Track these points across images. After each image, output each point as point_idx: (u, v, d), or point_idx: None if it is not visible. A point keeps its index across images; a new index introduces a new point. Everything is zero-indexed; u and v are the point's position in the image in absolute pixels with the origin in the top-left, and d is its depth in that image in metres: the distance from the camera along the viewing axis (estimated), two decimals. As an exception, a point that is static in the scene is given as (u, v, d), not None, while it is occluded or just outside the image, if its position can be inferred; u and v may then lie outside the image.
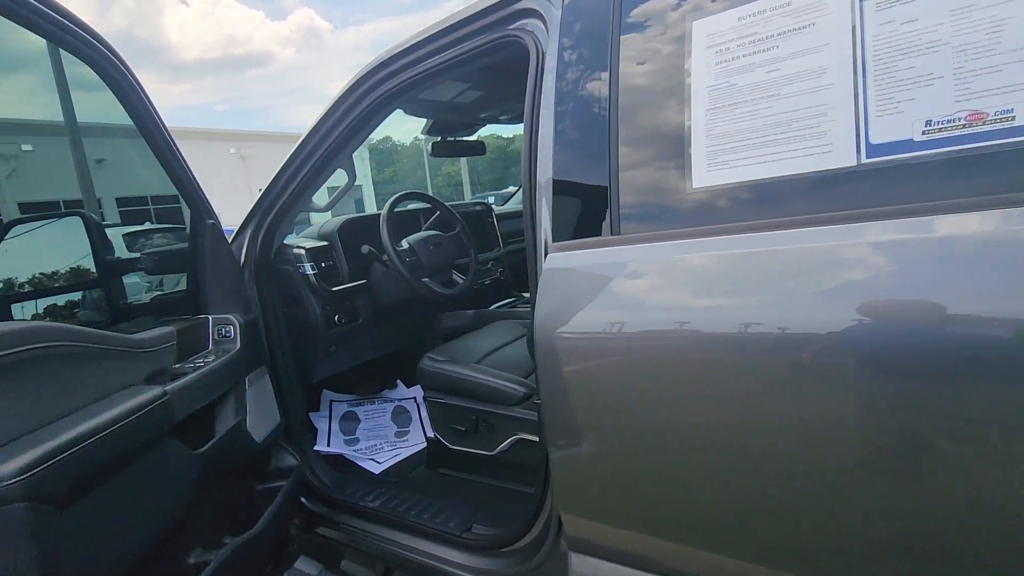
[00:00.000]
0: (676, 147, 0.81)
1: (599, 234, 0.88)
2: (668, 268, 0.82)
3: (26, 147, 14.89)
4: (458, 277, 1.81)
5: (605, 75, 0.88)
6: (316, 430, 1.89)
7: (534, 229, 0.98)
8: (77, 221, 1.29)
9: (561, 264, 0.90)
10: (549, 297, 0.89)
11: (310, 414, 1.91)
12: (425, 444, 1.87)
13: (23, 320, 0.80)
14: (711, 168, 0.78)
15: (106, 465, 0.83)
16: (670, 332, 0.76)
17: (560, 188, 0.93)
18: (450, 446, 1.49)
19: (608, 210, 0.87)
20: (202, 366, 1.17)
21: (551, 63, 0.96)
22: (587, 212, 0.91)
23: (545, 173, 0.95)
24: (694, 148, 0.80)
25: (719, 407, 0.73)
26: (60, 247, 1.34)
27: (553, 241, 0.93)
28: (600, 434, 0.87)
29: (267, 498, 1.41)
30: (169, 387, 1.01)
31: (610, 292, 0.84)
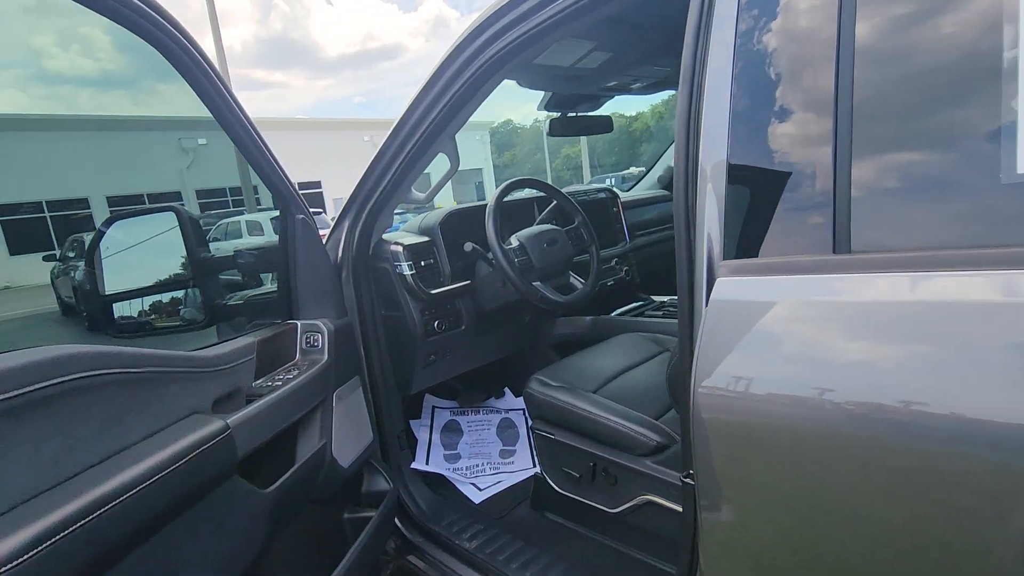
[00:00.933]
0: (973, 119, 0.46)
1: (811, 252, 0.55)
2: (951, 313, 0.47)
3: (201, 141, 17.22)
4: (576, 280, 1.52)
5: (830, 20, 0.55)
6: (415, 441, 1.74)
7: (690, 237, 0.67)
8: (171, 216, 1.21)
9: (743, 294, 0.58)
10: (719, 342, 0.58)
11: (410, 421, 1.76)
12: (532, 470, 1.63)
13: (55, 346, 0.64)
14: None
15: (141, 528, 0.68)
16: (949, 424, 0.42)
17: (739, 176, 0.61)
18: (559, 491, 1.23)
19: (832, 214, 0.53)
20: (280, 385, 1.02)
21: (727, 7, 0.64)
22: (787, 216, 0.58)
23: (714, 155, 0.64)
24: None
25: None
26: (156, 243, 1.28)
27: (725, 258, 0.61)
28: (794, 546, 0.55)
29: (355, 529, 1.26)
30: (232, 419, 0.85)
31: (833, 345, 0.51)
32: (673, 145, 0.74)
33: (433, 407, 1.92)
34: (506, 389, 2.03)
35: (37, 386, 0.60)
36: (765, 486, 0.58)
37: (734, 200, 0.61)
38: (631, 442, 1.06)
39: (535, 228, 1.47)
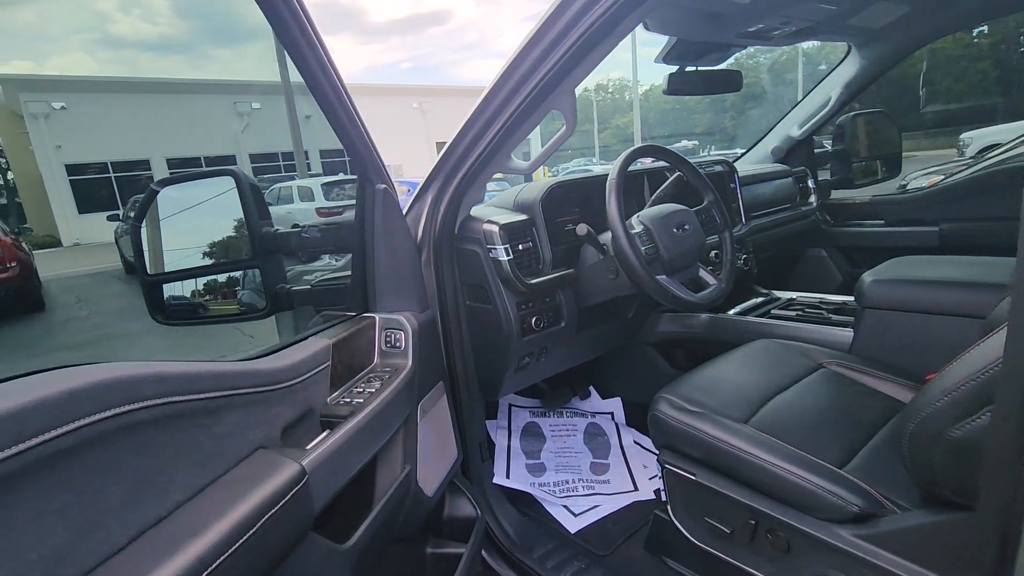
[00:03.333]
0: None
1: None
2: None
3: (256, 105, 17.42)
4: (706, 274, 1.23)
5: None
6: (493, 446, 1.52)
7: None
8: (228, 181, 1.00)
9: None
10: None
11: (486, 422, 1.54)
12: (633, 494, 1.39)
13: (68, 369, 0.42)
14: None
15: None
16: None
17: None
18: (696, 542, 0.98)
19: None
20: (362, 403, 0.79)
21: None
22: None
23: None
24: None
25: None
26: (212, 213, 1.07)
27: None
28: None
29: (439, 566, 1.05)
30: (309, 458, 0.63)
31: None
32: (797, 111, 0.45)
33: (510, 406, 1.70)
34: (591, 388, 1.78)
35: (39, 440, 0.38)
36: None
37: None
38: (818, 503, 0.79)
39: (662, 208, 1.19)
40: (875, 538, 0.74)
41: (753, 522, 0.87)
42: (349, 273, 1.06)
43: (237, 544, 0.50)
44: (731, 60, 1.55)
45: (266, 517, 0.53)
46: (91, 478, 0.42)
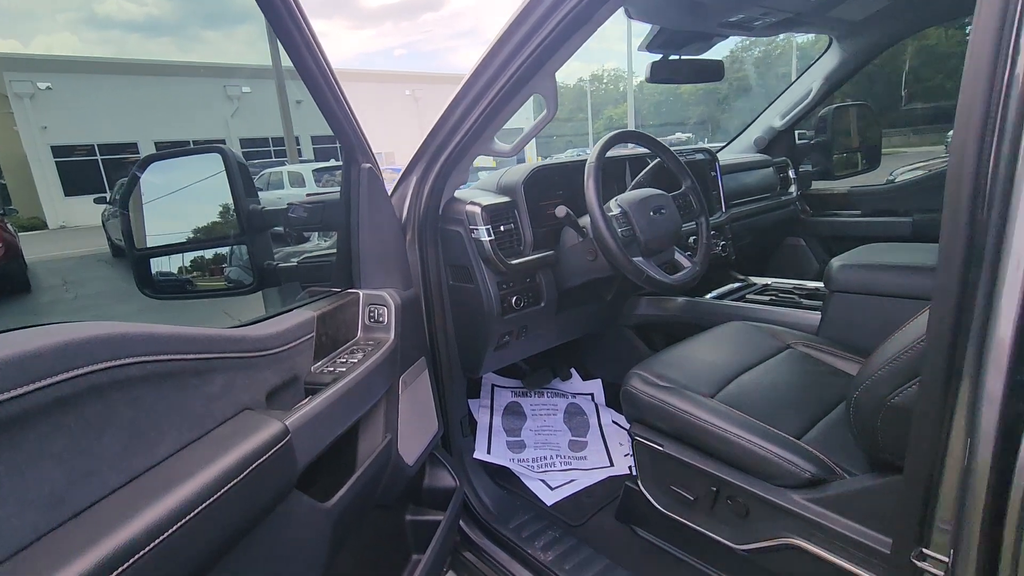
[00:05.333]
0: None
1: None
2: None
3: (246, 89, 17.19)
4: (682, 257, 1.27)
5: None
6: (475, 424, 1.56)
7: (987, 218, 0.44)
8: (216, 159, 1.02)
9: None
10: None
11: (468, 401, 1.59)
12: (609, 469, 1.44)
13: (63, 324, 0.45)
14: None
15: (185, 572, 0.51)
16: None
17: None
18: (662, 510, 1.03)
19: None
20: (344, 372, 0.83)
21: None
22: None
23: None
24: None
25: None
26: (200, 190, 1.09)
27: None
28: None
29: (418, 532, 1.10)
30: (293, 418, 0.67)
31: None
32: (779, 102, 0.49)
33: (493, 386, 1.74)
34: (572, 370, 1.83)
35: (37, 385, 0.41)
36: None
37: None
38: (775, 470, 0.84)
39: (640, 193, 1.22)
40: (824, 501, 0.79)
41: (715, 489, 0.92)
42: (335, 251, 1.09)
43: (223, 491, 0.53)
44: (725, 52, 1.58)
45: (250, 468, 0.57)
46: (86, 427, 0.46)
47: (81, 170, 14.75)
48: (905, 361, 0.65)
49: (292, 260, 1.17)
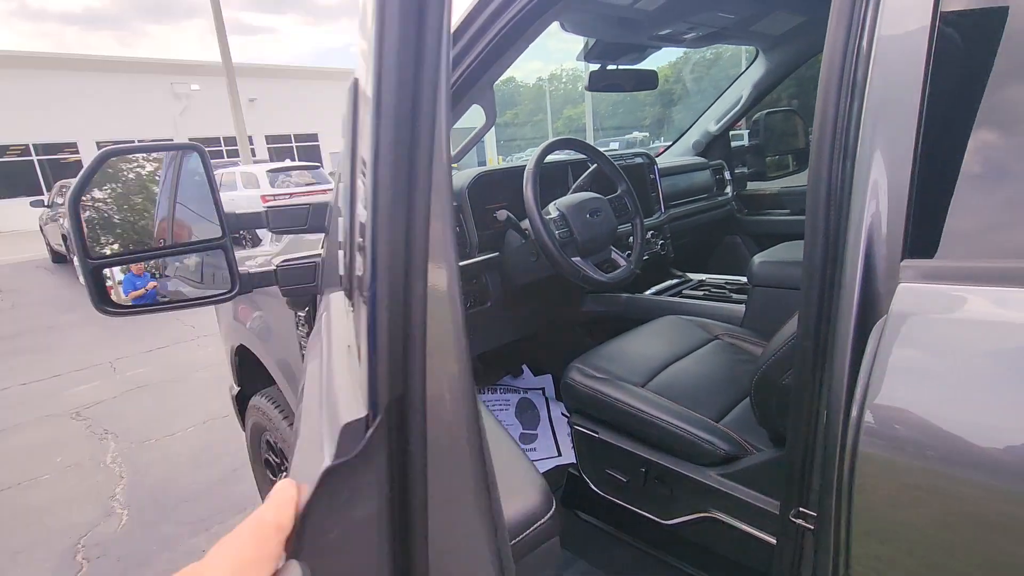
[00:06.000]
0: None
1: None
2: None
3: (195, 87, 16.56)
4: (618, 256, 1.36)
5: None
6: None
7: (837, 216, 0.52)
8: (195, 158, 0.98)
9: (948, 312, 0.43)
10: (909, 364, 0.44)
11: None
12: (556, 459, 1.51)
13: None
14: None
15: None
16: None
17: (940, 150, 0.45)
18: (600, 492, 1.11)
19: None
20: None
21: None
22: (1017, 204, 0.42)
23: (895, 120, 0.47)
24: None
25: None
26: (170, 190, 1.07)
27: (909, 257, 0.46)
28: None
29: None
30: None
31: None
32: (714, 108, 0.57)
33: (447, 384, 1.79)
34: (524, 367, 1.90)
35: None
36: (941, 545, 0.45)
37: (928, 180, 0.45)
38: (695, 450, 0.92)
39: (577, 196, 1.30)
40: (735, 475, 0.88)
41: (644, 470, 1.00)
42: (316, 253, 1.08)
43: None
44: (679, 54, 1.67)
45: None
46: None
47: (14, 171, 13.92)
48: (791, 347, 0.74)
49: (272, 264, 1.17)
